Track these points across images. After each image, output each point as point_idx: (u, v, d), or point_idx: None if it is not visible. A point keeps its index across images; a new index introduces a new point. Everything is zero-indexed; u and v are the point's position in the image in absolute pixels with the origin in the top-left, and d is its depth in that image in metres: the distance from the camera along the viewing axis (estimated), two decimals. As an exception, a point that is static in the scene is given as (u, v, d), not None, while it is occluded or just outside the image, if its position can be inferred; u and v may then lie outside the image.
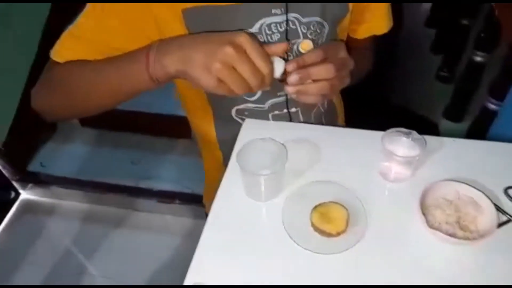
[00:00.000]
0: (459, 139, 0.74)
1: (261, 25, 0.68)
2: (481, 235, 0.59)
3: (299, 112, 0.82)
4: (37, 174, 1.90)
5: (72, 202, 1.87)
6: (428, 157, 0.72)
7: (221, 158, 0.90)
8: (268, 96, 0.78)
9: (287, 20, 0.68)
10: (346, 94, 0.91)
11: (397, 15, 0.83)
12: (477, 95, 1.66)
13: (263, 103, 0.79)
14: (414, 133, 0.66)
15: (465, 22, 1.72)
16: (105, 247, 1.74)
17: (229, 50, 0.57)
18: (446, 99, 1.78)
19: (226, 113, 0.81)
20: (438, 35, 2.00)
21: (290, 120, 0.83)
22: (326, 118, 0.89)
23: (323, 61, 0.63)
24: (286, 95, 0.78)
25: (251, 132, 0.75)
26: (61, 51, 0.69)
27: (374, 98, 1.66)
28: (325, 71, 0.62)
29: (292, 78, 0.62)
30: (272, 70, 0.61)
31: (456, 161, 0.71)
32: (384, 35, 0.83)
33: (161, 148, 1.97)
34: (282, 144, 0.67)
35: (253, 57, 0.59)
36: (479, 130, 1.51)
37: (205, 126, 0.86)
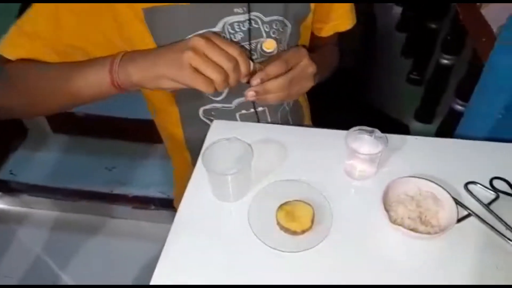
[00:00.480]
0: (421, 137, 0.76)
1: (224, 24, 0.69)
2: (442, 230, 0.60)
3: (267, 112, 0.83)
4: (6, 182, 1.85)
5: (44, 211, 1.82)
6: (392, 154, 0.73)
7: (189, 159, 0.90)
8: (234, 96, 0.78)
9: (249, 20, 0.69)
10: (318, 96, 0.93)
11: (371, 19, 0.85)
12: (445, 97, 1.71)
13: (230, 103, 0.79)
14: (377, 131, 0.68)
15: (433, 25, 1.78)
16: (80, 255, 1.69)
17: (198, 41, 0.58)
18: (416, 101, 1.82)
19: (194, 114, 0.81)
20: (408, 39, 2.06)
21: (258, 120, 0.83)
22: (293, 117, 0.90)
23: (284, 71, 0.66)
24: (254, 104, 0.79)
25: (219, 133, 0.76)
26: (12, 48, 0.66)
27: (347, 100, 1.70)
28: (278, 86, 0.66)
29: (249, 94, 0.66)
30: (242, 53, 0.61)
31: (418, 158, 0.73)
32: (359, 39, 0.86)
33: (136, 154, 1.94)
34: (248, 143, 0.67)
35: (222, 45, 0.59)
36: (447, 131, 1.55)
37: (172, 127, 0.85)
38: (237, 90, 0.74)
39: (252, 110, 0.81)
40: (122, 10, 0.64)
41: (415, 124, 1.78)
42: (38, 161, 1.93)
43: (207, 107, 0.79)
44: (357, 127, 0.69)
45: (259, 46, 0.73)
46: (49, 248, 1.72)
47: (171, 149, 0.94)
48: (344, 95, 1.71)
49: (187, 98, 0.78)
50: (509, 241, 0.61)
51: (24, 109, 0.70)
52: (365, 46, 1.82)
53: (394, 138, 0.75)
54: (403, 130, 1.70)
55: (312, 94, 0.97)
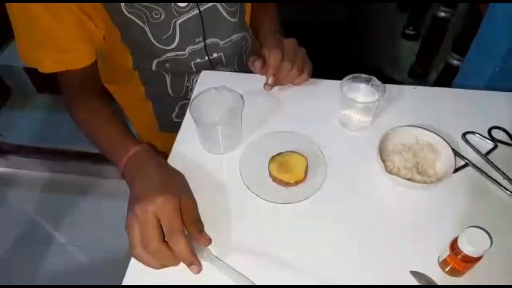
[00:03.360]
0: (419, 86, 0.74)
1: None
2: (439, 179, 0.59)
3: (222, 58, 0.82)
4: (-8, 143, 1.80)
5: (33, 172, 1.79)
6: (388, 105, 0.71)
7: (156, 123, 0.92)
8: (187, 42, 0.76)
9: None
10: (314, 55, 0.89)
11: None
12: (441, 52, 1.67)
13: (183, 50, 0.77)
14: (374, 79, 0.65)
15: (430, -23, 1.71)
16: (73, 215, 1.68)
17: (151, 216, 0.50)
18: (411, 57, 1.79)
19: (148, 67, 0.78)
20: (405, -9, 1.98)
21: (212, 68, 0.82)
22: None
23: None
24: (205, 41, 0.78)
25: (208, 83, 0.72)
26: (44, 63, 0.68)
27: (338, 57, 1.65)
28: (287, 70, 0.71)
29: (267, 87, 0.72)
30: (189, 256, 0.51)
31: (416, 108, 0.71)
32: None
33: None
34: (238, 92, 0.64)
35: (171, 243, 0.50)
36: (442, 87, 1.53)
37: (132, 88, 0.84)
38: (189, 36, 0.74)
39: (206, 58, 0.80)
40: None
41: (409, 81, 1.75)
42: (23, 121, 1.88)
43: (160, 59, 0.76)
44: (352, 75, 0.65)
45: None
46: (41, 209, 1.70)
47: (134, 107, 0.92)
48: (336, 52, 1.66)
49: (139, 52, 0.76)
50: (505, 190, 0.59)
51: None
52: (360, 2, 1.75)
53: (391, 88, 0.72)
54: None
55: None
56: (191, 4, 0.72)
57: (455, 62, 1.46)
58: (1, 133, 1.84)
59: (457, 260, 0.49)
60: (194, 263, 0.50)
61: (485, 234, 0.48)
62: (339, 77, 0.67)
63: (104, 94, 0.75)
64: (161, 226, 0.50)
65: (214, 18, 0.76)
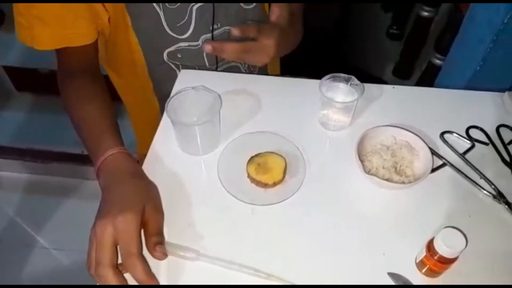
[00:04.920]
0: (398, 86, 0.74)
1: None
2: (416, 179, 0.59)
3: None
4: (-30, 144, 1.76)
5: (12, 173, 1.75)
6: (368, 104, 0.70)
7: (159, 109, 0.87)
8: (200, 31, 0.74)
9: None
10: (299, 54, 0.88)
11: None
12: (424, 52, 1.69)
13: (197, 40, 0.75)
14: (353, 78, 0.65)
15: (413, -23, 1.72)
16: (54, 218, 1.65)
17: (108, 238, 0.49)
18: (395, 57, 1.79)
19: (158, 59, 0.76)
20: (388, -9, 1.99)
21: (216, 59, 0.80)
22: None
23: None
24: (212, 30, 0.76)
25: (187, 83, 0.71)
26: (41, 39, 0.66)
27: (323, 56, 1.65)
28: (233, 49, 0.63)
29: (207, 46, 0.62)
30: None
31: (395, 108, 0.71)
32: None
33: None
34: (216, 92, 0.63)
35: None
36: (425, 86, 1.54)
37: (138, 79, 0.81)
38: (203, 24, 0.72)
39: None
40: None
41: (393, 80, 1.76)
42: (3, 121, 1.84)
43: (172, 48, 0.75)
44: (331, 75, 0.65)
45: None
46: (22, 212, 1.67)
47: (138, 104, 0.89)
48: (320, 51, 1.66)
49: (150, 41, 0.74)
50: (482, 189, 0.60)
51: None
52: (344, 3, 1.75)
53: (371, 87, 0.72)
54: (381, 85, 1.68)
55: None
56: None
57: (438, 61, 1.47)
58: (-20, 134, 1.79)
59: (433, 261, 0.49)
60: (152, 283, 0.48)
61: (460, 234, 0.47)
62: (323, 76, 0.67)
63: (101, 80, 0.71)
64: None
65: (229, 6, 0.74)
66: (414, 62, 1.72)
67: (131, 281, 0.49)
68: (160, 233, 0.53)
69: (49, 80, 1.80)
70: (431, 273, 0.51)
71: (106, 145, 0.59)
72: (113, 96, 0.73)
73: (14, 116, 1.85)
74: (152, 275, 0.48)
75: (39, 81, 1.81)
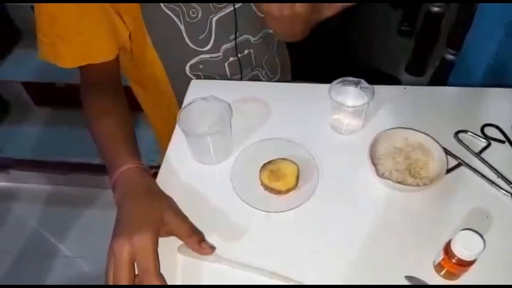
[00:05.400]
0: (409, 86, 0.73)
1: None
2: (431, 181, 0.58)
3: (252, 55, 0.81)
4: (-7, 158, 1.81)
5: (34, 185, 1.80)
6: (379, 107, 0.70)
7: None
8: (220, 42, 0.75)
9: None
10: (301, 50, 0.88)
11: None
12: (436, 48, 1.66)
13: (218, 51, 0.76)
14: (363, 81, 0.64)
15: (422, -28, 1.70)
16: (76, 228, 1.68)
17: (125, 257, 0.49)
18: (407, 54, 1.77)
19: (180, 72, 0.77)
20: (397, -13, 1.97)
21: (240, 65, 0.81)
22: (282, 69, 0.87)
23: None
24: (235, 39, 0.76)
25: (197, 93, 0.72)
26: (65, 58, 0.68)
27: (334, 56, 1.64)
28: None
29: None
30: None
31: (407, 109, 0.70)
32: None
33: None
34: (226, 101, 0.63)
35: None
36: (439, 82, 1.52)
37: (162, 95, 0.82)
38: (223, 35, 0.74)
39: (239, 55, 0.79)
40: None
41: (407, 78, 1.74)
42: (23, 135, 1.88)
43: (193, 61, 0.76)
44: (341, 79, 0.65)
45: None
46: (44, 222, 1.71)
47: (161, 120, 0.90)
48: (331, 52, 1.65)
49: (171, 56, 0.75)
50: (500, 189, 0.59)
51: None
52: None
53: (381, 89, 0.71)
54: (396, 84, 1.66)
55: (295, 49, 0.93)
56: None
57: (451, 57, 1.45)
58: (0, 149, 1.84)
59: (451, 263, 0.48)
60: None
61: (478, 236, 0.47)
62: (334, 79, 0.66)
63: (121, 95, 0.72)
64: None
65: (248, 14, 0.75)
66: (427, 59, 1.70)
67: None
68: (196, 231, 0.55)
69: (66, 93, 1.86)
70: (450, 275, 0.50)
71: (122, 159, 0.60)
72: (133, 106, 0.74)
73: (33, 129, 1.89)
74: None
75: (56, 95, 1.85)
